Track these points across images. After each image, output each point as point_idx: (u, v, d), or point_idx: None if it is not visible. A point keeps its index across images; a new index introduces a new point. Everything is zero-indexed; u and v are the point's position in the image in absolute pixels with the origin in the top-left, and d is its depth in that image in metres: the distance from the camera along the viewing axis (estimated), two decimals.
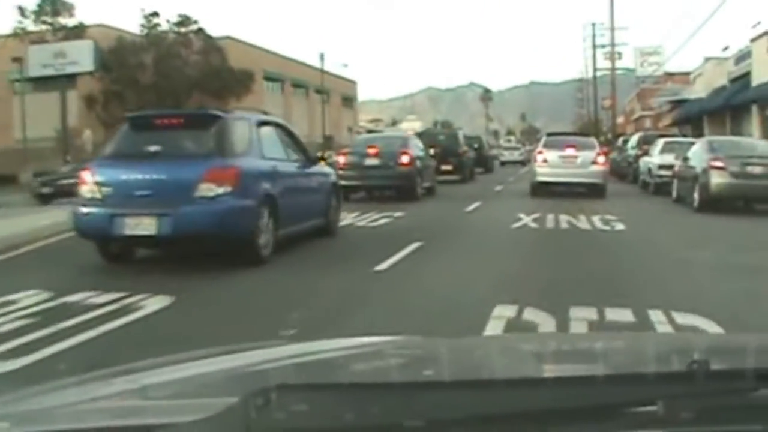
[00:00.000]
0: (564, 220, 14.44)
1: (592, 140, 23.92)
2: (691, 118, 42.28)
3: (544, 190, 20.84)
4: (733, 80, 36.79)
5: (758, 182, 15.66)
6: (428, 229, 12.69)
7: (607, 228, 13.39)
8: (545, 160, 21.25)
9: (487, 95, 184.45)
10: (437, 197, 21.19)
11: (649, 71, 78.48)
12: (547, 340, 2.38)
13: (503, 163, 55.12)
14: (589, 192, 20.64)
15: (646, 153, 24.84)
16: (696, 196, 16.47)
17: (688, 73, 62.04)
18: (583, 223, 14.14)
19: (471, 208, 17.33)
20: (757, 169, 15.73)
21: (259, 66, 61.97)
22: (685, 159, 18.10)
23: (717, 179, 15.83)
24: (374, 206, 17.13)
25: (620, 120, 77.85)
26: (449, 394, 1.20)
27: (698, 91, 43.94)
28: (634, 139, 30.57)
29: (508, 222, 13.95)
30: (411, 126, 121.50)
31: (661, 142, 23.87)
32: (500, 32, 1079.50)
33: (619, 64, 70.24)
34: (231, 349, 1.74)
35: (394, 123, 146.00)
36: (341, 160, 20.20)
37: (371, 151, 20.16)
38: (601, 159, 21.42)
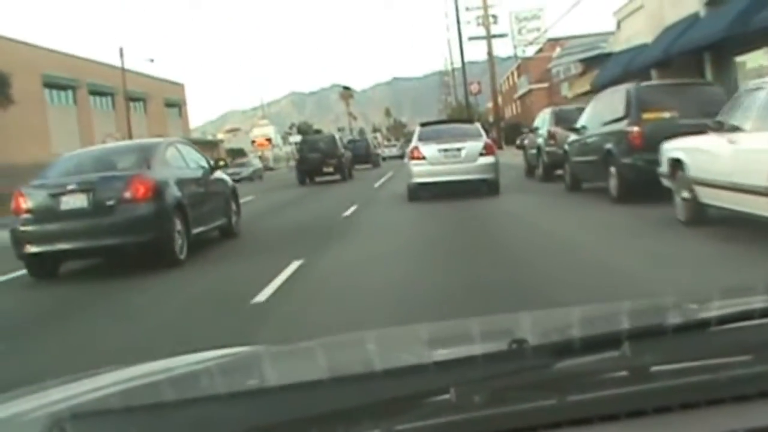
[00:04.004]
0: None
1: (477, 127, 19.54)
2: (627, 77, 27.78)
3: (424, 194, 17.49)
4: (712, 2, 22.74)
5: None
6: None
7: None
8: (423, 157, 17.56)
9: (347, 93, 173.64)
10: (231, 247, 12.48)
11: (529, 39, 65.90)
12: (357, 339, 2.02)
13: (384, 158, 58.55)
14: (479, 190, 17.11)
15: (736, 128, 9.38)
16: None
17: (573, 37, 49.20)
18: None
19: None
20: None
21: (37, 69, 46.09)
22: None
23: None
24: None
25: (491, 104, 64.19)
26: (223, 406, 1.20)
27: (631, 37, 30.00)
28: (618, 96, 14.06)
29: None
30: (263, 132, 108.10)
31: None
32: (361, 31, 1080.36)
33: (494, 30, 56.84)
34: (48, 384, 1.62)
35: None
36: (22, 204, 10.65)
37: (72, 183, 10.54)
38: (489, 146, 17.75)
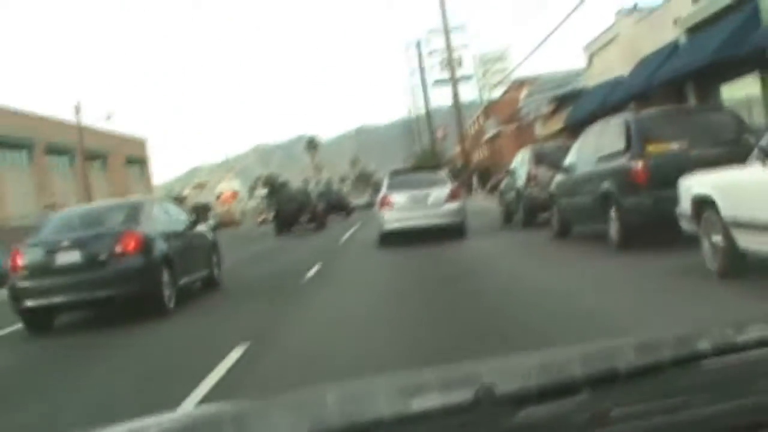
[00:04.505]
0: None
1: (443, 174, 19.97)
2: (604, 111, 26.44)
3: (394, 241, 17.89)
4: (693, 29, 21.47)
5: None
6: None
7: None
8: (392, 204, 18.30)
9: (312, 144, 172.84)
10: (215, 298, 12.74)
11: (494, 81, 65.10)
12: (322, 392, 1.86)
13: (354, 208, 59.12)
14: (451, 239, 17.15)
15: None
16: None
17: (539, 77, 48.12)
18: None
19: None
20: None
21: None
22: None
23: None
24: None
25: (459, 148, 62.83)
26: None
27: (605, 71, 28.71)
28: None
29: None
30: (229, 186, 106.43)
31: None
32: (326, 81, 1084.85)
33: (459, 73, 55.69)
34: None
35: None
36: (19, 261, 11.13)
37: (66, 240, 11.09)
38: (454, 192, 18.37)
